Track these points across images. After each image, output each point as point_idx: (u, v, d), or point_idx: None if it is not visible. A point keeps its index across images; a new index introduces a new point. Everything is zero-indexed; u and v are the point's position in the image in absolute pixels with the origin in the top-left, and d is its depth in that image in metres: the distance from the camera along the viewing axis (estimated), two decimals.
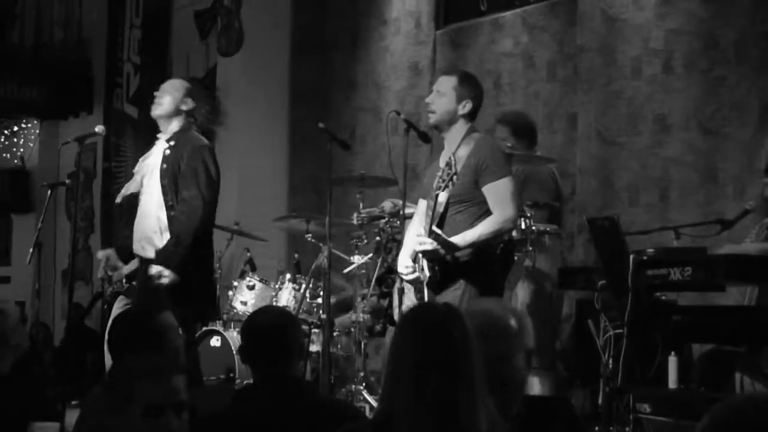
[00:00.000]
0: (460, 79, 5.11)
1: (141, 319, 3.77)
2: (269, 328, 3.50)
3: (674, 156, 6.66)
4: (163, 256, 5.53)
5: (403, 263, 5.01)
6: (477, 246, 4.89)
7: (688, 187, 6.59)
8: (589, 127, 7.11)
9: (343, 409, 3.49)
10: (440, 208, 4.86)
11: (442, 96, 5.04)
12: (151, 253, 5.62)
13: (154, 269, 5.50)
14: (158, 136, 5.88)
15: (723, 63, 6.48)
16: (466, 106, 5.05)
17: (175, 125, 5.79)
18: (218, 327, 7.15)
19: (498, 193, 4.92)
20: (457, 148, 5.00)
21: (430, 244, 4.79)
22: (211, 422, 3.35)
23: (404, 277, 4.99)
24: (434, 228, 4.80)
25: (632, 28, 6.91)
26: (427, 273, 4.87)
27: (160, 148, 5.80)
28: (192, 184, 5.61)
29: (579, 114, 7.19)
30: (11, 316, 5.67)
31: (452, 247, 4.85)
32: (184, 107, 5.82)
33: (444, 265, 4.89)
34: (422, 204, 5.13)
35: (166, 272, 5.48)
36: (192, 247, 5.58)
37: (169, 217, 5.59)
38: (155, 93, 5.87)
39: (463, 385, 2.43)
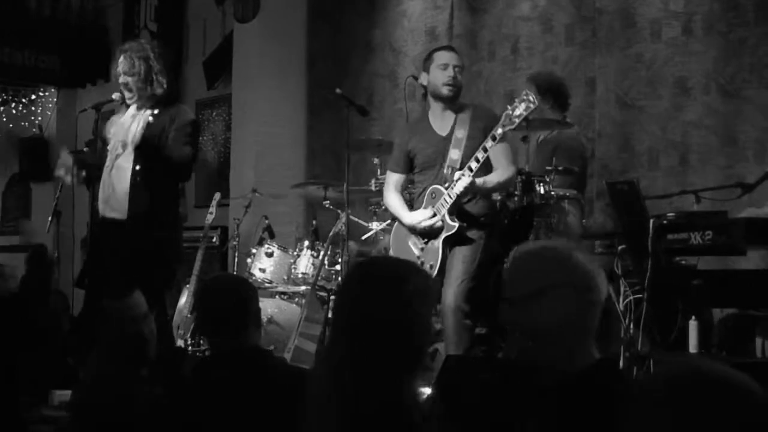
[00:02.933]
0: (461, 56, 5.67)
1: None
2: (224, 298, 3.39)
3: (694, 119, 6.61)
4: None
5: (421, 214, 5.39)
6: (492, 191, 5.53)
7: (708, 151, 6.54)
8: (608, 90, 7.06)
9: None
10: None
11: (461, 72, 5.51)
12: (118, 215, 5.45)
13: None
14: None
15: (743, 24, 6.41)
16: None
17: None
18: None
19: (504, 153, 5.43)
20: (456, 114, 5.48)
21: (468, 177, 5.18)
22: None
23: (425, 224, 5.34)
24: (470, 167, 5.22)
25: None
26: (452, 224, 5.29)
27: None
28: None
29: (598, 78, 7.14)
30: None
31: (482, 189, 5.36)
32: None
33: (468, 221, 5.33)
34: (394, 176, 5.65)
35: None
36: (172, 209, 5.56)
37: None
38: None
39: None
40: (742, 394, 1.53)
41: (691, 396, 1.53)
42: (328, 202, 7.29)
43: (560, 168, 5.88)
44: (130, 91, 5.55)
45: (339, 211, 6.85)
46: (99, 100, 5.97)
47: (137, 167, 5.39)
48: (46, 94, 12.35)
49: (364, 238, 6.87)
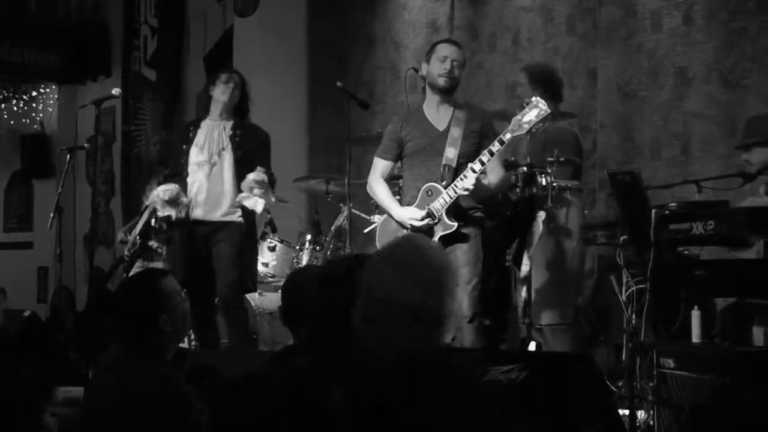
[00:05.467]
0: (464, 53, 5.62)
1: (146, 284, 3.74)
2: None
3: (696, 109, 6.61)
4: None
5: (413, 213, 5.35)
6: (493, 193, 5.54)
7: (710, 140, 6.54)
8: (609, 81, 7.05)
9: None
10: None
11: (460, 66, 5.48)
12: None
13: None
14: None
15: (744, 14, 6.41)
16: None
17: None
18: None
19: (498, 158, 5.35)
20: (453, 111, 5.46)
21: (472, 181, 5.17)
22: (244, 385, 3.28)
23: (416, 224, 5.32)
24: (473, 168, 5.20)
25: None
26: (451, 223, 5.27)
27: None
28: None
29: (599, 68, 7.14)
30: None
31: (483, 190, 5.33)
32: None
33: (462, 219, 5.30)
34: (381, 163, 5.60)
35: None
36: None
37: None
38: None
39: None
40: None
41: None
42: (330, 195, 7.27)
43: (561, 159, 5.87)
44: None
45: (341, 204, 6.84)
46: (99, 96, 5.98)
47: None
48: (47, 90, 12.34)
49: (366, 231, 6.86)
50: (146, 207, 7.58)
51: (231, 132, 6.03)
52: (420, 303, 2.41)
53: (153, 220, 7.44)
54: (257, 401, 2.92)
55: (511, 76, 7.61)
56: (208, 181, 5.99)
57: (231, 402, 2.88)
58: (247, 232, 6.04)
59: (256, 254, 6.66)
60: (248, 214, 5.97)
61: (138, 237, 7.55)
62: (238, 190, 5.91)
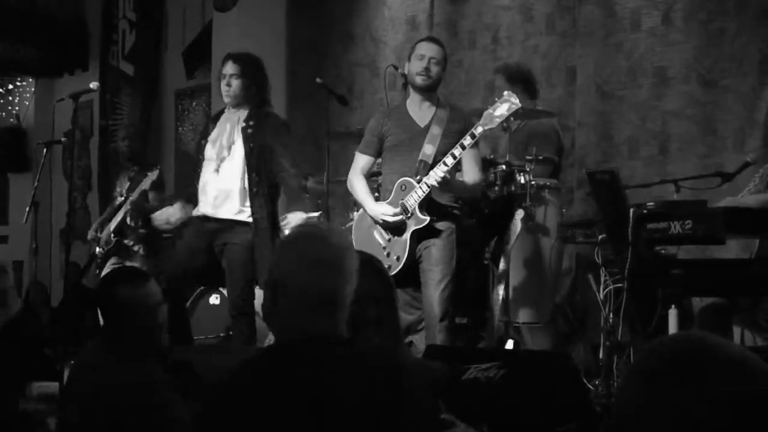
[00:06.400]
0: (445, 51, 5.59)
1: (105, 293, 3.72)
2: None
3: (674, 109, 6.63)
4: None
5: (386, 209, 5.36)
6: (461, 192, 5.50)
7: (688, 140, 6.56)
8: (588, 80, 7.06)
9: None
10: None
11: (438, 64, 5.46)
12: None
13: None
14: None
15: (722, 14, 6.43)
16: (443, 76, 5.61)
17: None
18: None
19: (476, 159, 5.44)
20: (436, 110, 5.47)
21: (442, 173, 5.17)
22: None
23: (388, 219, 5.31)
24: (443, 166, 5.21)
25: None
26: (423, 217, 5.26)
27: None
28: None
29: (578, 67, 7.15)
30: (9, 276, 5.69)
31: (453, 186, 5.35)
32: None
33: (436, 213, 5.31)
34: (362, 159, 5.58)
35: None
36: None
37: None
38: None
39: None
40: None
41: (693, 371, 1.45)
42: (307, 192, 7.25)
43: (540, 157, 5.88)
44: None
45: (318, 201, 6.83)
46: (77, 90, 5.94)
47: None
48: (24, 83, 12.27)
49: (344, 227, 6.85)
50: (120, 204, 7.54)
51: (244, 123, 5.73)
52: (316, 286, 2.39)
53: (128, 219, 7.40)
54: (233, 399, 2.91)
55: (491, 74, 7.60)
56: (217, 176, 5.74)
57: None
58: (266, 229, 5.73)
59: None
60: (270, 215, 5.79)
61: (113, 235, 7.51)
62: (251, 185, 5.68)
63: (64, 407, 3.80)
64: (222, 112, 5.92)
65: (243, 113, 5.76)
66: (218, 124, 5.84)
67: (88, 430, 3.43)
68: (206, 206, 5.77)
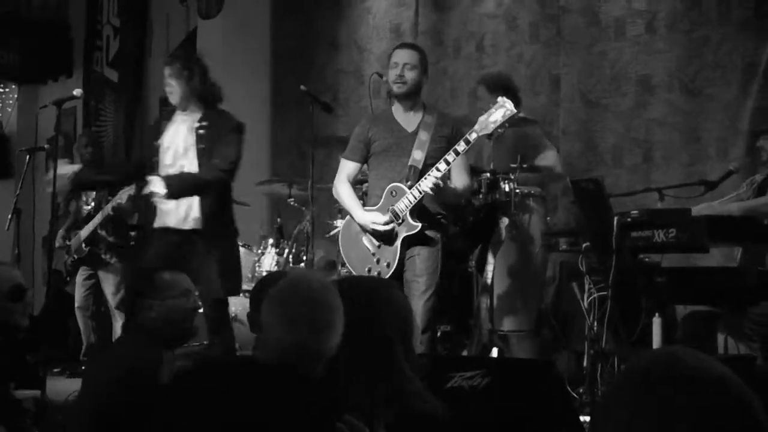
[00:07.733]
0: (422, 54, 5.52)
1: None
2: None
3: (658, 117, 6.65)
4: (175, 179, 5.35)
5: (375, 217, 5.29)
6: (454, 197, 5.42)
7: (672, 148, 6.58)
8: (572, 88, 7.09)
9: None
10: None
11: (413, 69, 5.39)
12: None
13: (156, 181, 5.27)
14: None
15: (706, 23, 6.46)
16: (426, 79, 5.51)
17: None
18: None
19: (465, 165, 5.37)
20: (423, 115, 5.41)
21: (435, 179, 5.11)
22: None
23: (378, 228, 5.24)
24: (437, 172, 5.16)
25: None
26: (414, 224, 5.21)
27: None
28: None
29: (562, 76, 7.17)
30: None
31: (446, 192, 5.25)
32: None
33: (427, 220, 5.25)
34: (348, 165, 5.52)
35: (162, 190, 5.24)
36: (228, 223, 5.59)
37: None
38: None
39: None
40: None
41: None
42: (292, 199, 7.25)
43: (525, 165, 5.88)
44: None
45: (303, 208, 6.82)
46: (60, 97, 5.90)
47: None
48: (7, 90, 12.21)
49: (328, 235, 6.85)
50: (90, 213, 7.49)
51: (197, 124, 5.52)
52: (290, 340, 2.47)
53: (99, 228, 7.34)
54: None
55: (475, 82, 7.62)
56: None
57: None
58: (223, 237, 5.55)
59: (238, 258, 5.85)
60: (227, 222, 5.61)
61: (84, 244, 7.44)
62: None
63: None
64: (172, 113, 5.71)
65: (196, 116, 5.59)
66: (171, 127, 5.63)
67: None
68: (167, 216, 5.50)
